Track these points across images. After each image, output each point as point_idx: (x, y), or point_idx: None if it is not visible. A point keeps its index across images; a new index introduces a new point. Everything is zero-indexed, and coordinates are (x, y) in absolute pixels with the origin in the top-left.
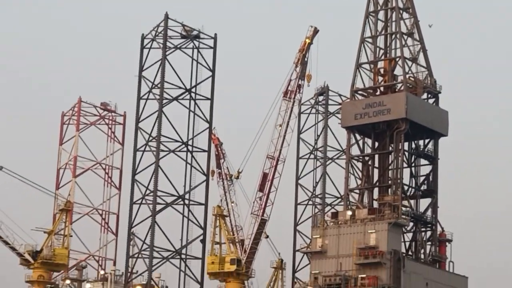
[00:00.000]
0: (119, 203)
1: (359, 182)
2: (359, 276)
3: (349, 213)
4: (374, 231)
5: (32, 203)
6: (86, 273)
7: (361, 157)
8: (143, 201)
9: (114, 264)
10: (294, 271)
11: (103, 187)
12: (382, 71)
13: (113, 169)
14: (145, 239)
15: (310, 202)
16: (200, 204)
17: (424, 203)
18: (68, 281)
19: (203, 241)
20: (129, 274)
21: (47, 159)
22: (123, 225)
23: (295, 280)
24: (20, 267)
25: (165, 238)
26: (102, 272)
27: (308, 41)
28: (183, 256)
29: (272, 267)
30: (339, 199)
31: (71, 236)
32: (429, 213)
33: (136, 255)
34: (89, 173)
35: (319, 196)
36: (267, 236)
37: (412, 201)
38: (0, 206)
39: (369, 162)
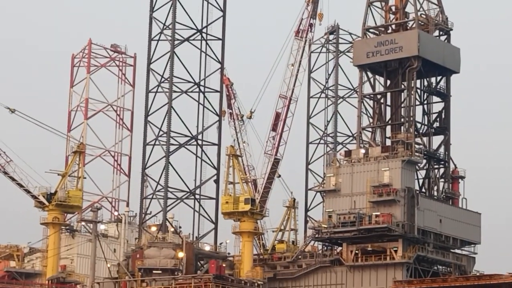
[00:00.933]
0: (131, 144)
1: (371, 120)
2: (373, 213)
3: (363, 151)
4: (387, 168)
5: (44, 146)
6: (101, 215)
7: (373, 95)
8: (157, 142)
9: (127, 205)
10: (307, 210)
11: (114, 128)
12: (393, 8)
13: (125, 111)
14: (159, 180)
15: (322, 141)
16: (213, 144)
17: (437, 140)
18: (83, 223)
19: (216, 181)
20: (143, 215)
21: (58, 102)
22: (135, 167)
23: (308, 218)
24: (35, 209)
25: (179, 179)
26: (116, 213)
27: None
28: (197, 196)
29: (284, 206)
30: (351, 138)
31: (85, 178)
32: (441, 150)
33: (150, 196)
34: (101, 115)
35: (330, 135)
36: (279, 176)
37: (425, 139)
38: (13, 149)
39: (381, 100)
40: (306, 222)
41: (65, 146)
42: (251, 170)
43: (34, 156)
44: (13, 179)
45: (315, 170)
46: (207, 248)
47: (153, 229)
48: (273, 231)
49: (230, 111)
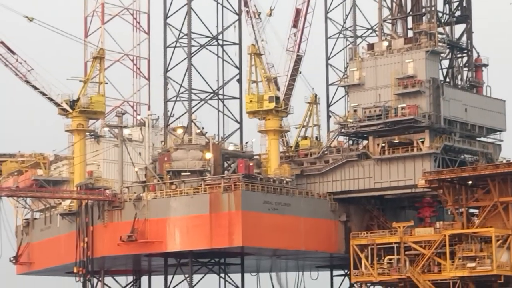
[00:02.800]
0: (149, 48)
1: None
2: (399, 106)
3: (385, 43)
4: (411, 60)
5: (62, 54)
6: (126, 119)
7: None
8: (177, 44)
9: (149, 108)
10: (328, 105)
11: (132, 32)
12: None
13: (141, 14)
14: (182, 82)
15: (341, 35)
16: (234, 43)
17: (459, 29)
18: (106, 128)
19: (239, 81)
20: (167, 118)
21: (73, 7)
22: (154, 70)
23: (330, 113)
24: (58, 117)
25: (201, 81)
26: (138, 117)
27: None
28: (220, 97)
29: (306, 102)
30: (370, 31)
31: (106, 83)
32: (464, 39)
33: (173, 99)
34: (117, 20)
35: (349, 28)
36: (300, 72)
37: (447, 28)
38: (33, 57)
39: None
40: (328, 117)
41: (83, 52)
42: (271, 68)
43: (54, 63)
44: (35, 88)
45: (335, 65)
46: (231, 148)
47: (179, 131)
48: (295, 128)
49: (247, 9)
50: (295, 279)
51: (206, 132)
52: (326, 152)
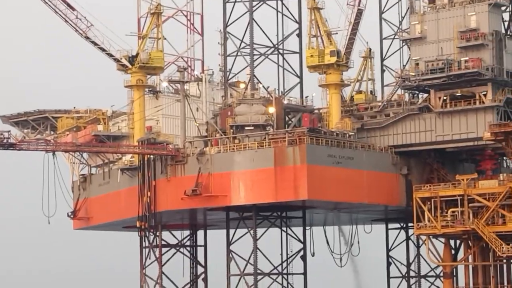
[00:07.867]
0: (202, 3)
1: None
2: (462, 59)
3: None
4: (474, 13)
5: (115, 10)
6: (187, 74)
7: None
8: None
9: (203, 64)
10: (382, 59)
11: None
12: None
13: None
14: (243, 37)
15: None
16: None
17: None
18: (165, 83)
19: (299, 35)
20: (228, 73)
21: None
22: (208, 26)
23: (384, 67)
24: (117, 73)
25: (260, 36)
26: (195, 72)
27: None
28: (281, 51)
29: (360, 57)
30: None
31: (165, 39)
32: None
33: (234, 54)
34: None
35: None
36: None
37: None
38: (92, 13)
39: None
40: (382, 71)
41: (136, 9)
42: (325, 23)
43: (107, 19)
44: (95, 44)
45: (389, 19)
46: (285, 102)
47: (241, 86)
48: (350, 82)
49: None
50: (348, 232)
51: (268, 87)
52: (386, 105)
